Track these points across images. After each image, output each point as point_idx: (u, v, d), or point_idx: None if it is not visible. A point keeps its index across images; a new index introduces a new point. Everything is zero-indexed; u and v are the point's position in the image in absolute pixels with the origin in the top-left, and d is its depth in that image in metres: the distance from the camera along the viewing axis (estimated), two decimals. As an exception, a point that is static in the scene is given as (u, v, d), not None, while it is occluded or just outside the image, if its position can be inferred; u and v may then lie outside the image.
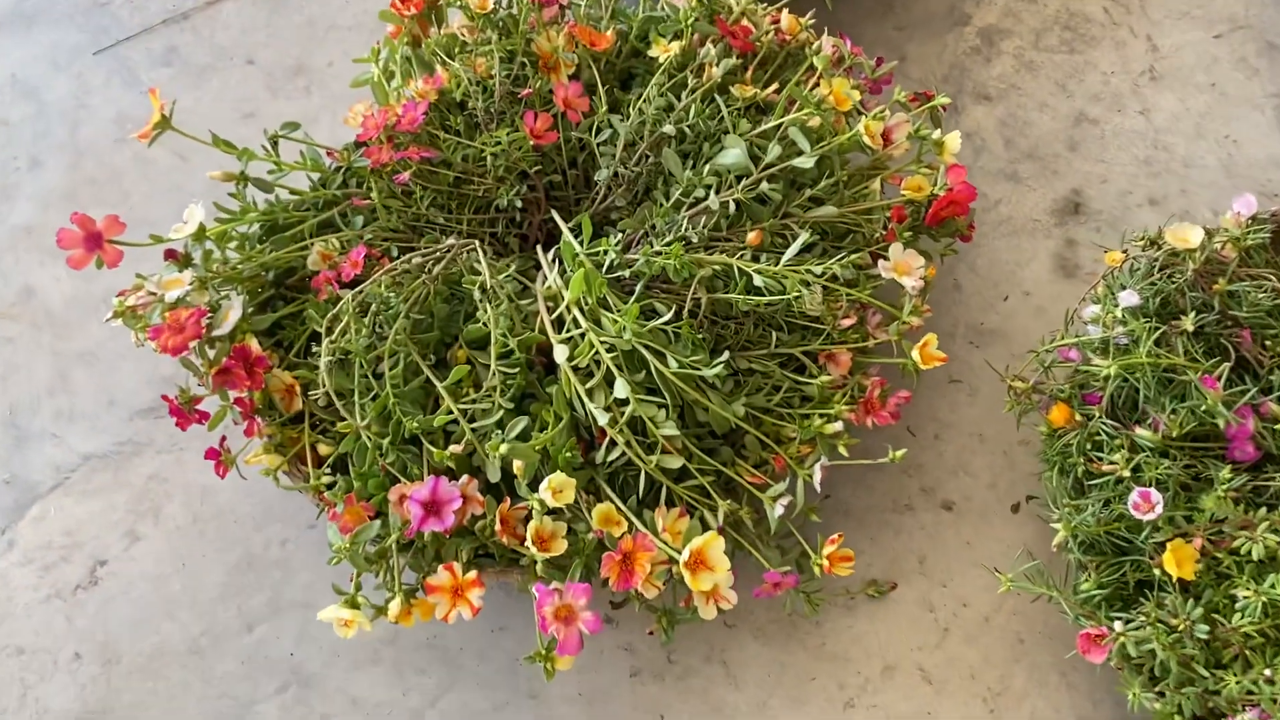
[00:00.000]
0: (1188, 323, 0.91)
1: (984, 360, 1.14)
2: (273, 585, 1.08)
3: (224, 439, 0.96)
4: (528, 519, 0.87)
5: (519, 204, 1.03)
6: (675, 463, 0.91)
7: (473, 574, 0.88)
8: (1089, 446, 0.92)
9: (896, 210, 0.99)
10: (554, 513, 0.89)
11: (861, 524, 1.07)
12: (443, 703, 1.02)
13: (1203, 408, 0.87)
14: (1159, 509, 0.85)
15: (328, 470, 0.96)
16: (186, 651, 1.05)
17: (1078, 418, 0.94)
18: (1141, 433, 0.89)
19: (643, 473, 0.91)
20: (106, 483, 1.12)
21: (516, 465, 0.88)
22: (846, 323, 0.95)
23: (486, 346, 0.94)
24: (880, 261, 0.97)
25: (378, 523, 0.91)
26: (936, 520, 1.07)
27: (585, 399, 0.91)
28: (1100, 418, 0.92)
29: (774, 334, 0.97)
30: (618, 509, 0.90)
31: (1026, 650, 1.00)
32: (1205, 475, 0.89)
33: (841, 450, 0.93)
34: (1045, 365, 0.97)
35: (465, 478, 0.91)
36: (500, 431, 0.91)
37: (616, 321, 0.91)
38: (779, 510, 0.92)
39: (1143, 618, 0.85)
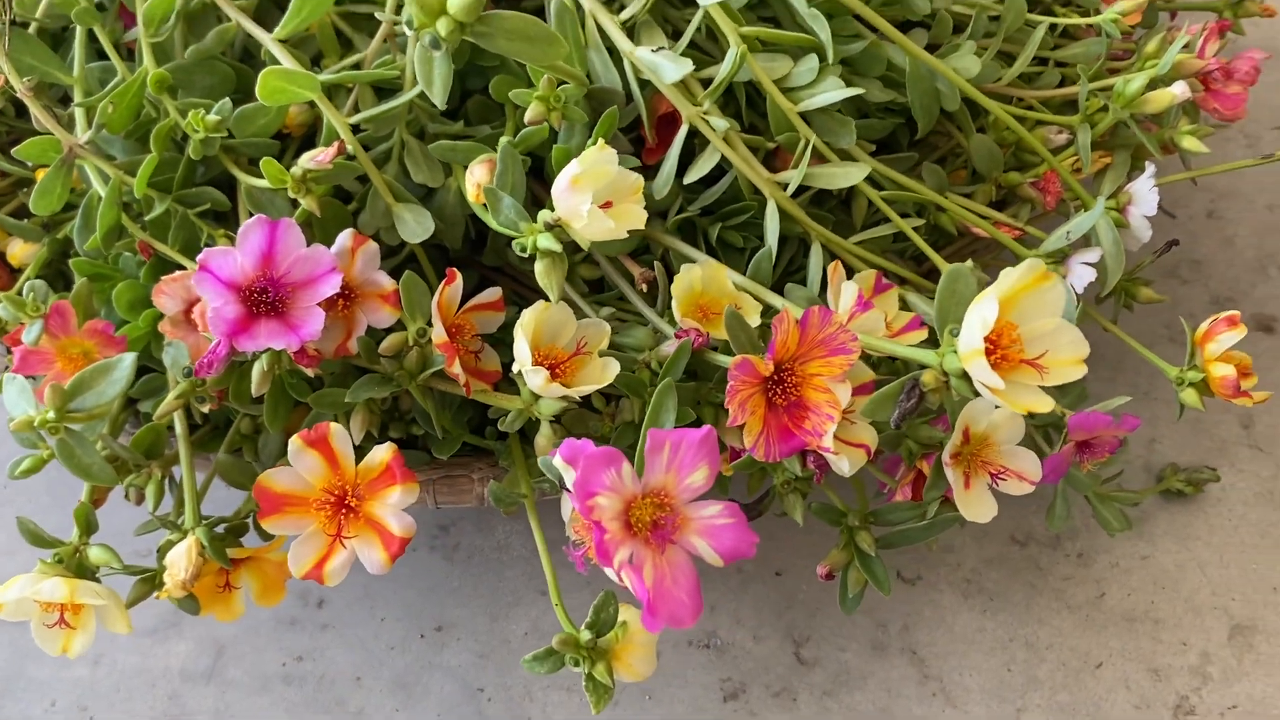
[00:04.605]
0: None
1: (1253, 93, 0.66)
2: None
3: None
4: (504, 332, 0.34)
5: None
6: (850, 175, 0.39)
7: (384, 451, 0.34)
8: None
9: None
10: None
11: (1116, 370, 0.57)
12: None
13: None
14: None
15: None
16: None
17: None
18: None
19: (771, 210, 0.39)
20: None
21: (472, 178, 0.35)
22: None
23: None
24: None
25: (130, 362, 0.36)
26: (1254, 350, 0.57)
27: (621, 39, 0.38)
28: None
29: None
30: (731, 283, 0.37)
31: None
32: None
33: (1191, 144, 0.43)
34: None
35: (349, 233, 0.37)
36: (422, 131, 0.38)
37: None
38: (1080, 278, 0.40)
39: None
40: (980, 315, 0.29)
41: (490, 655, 0.49)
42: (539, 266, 0.32)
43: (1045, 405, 0.30)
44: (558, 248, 0.32)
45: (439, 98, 0.31)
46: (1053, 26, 0.46)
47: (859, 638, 0.49)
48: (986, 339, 0.30)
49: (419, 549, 0.52)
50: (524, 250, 0.32)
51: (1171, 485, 0.52)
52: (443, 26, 0.28)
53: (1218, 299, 0.58)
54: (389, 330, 0.38)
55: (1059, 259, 0.41)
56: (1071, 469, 0.43)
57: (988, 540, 0.52)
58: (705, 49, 0.42)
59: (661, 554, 0.30)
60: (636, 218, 0.33)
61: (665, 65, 0.37)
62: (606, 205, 0.32)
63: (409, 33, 0.32)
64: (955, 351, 0.30)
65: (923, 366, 0.32)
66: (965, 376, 0.30)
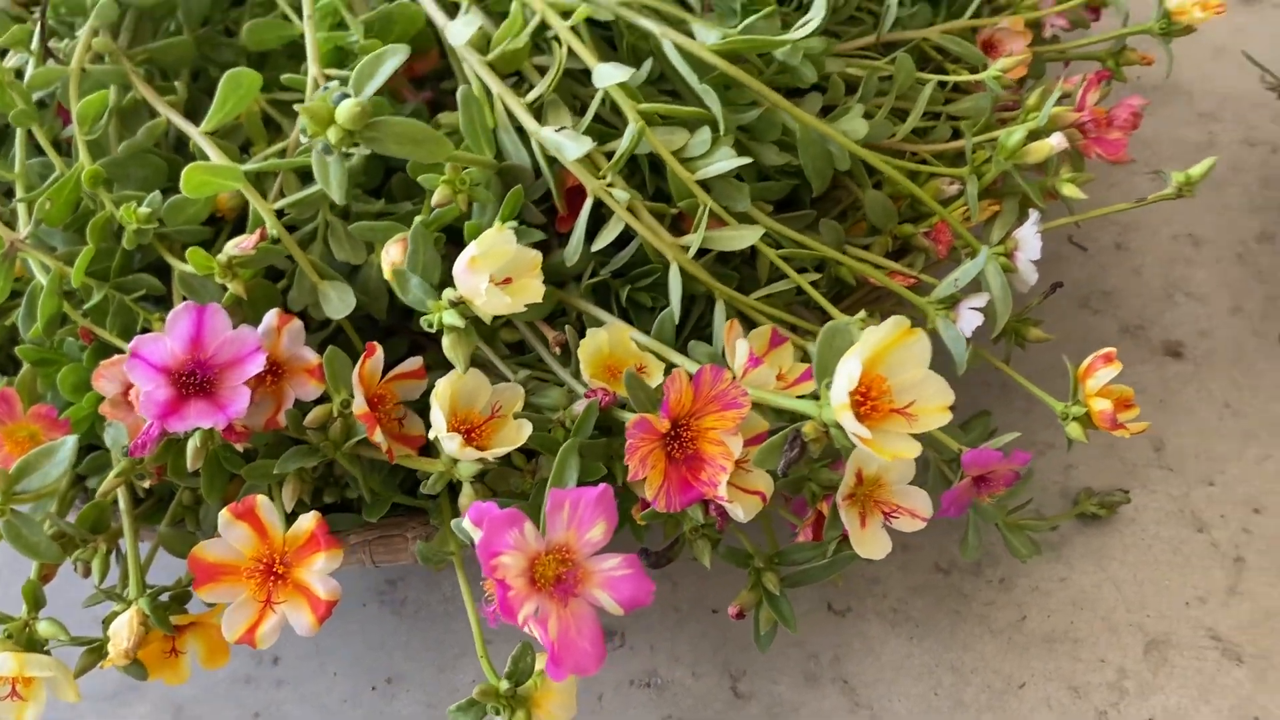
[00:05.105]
0: None
1: (1154, 129, 0.69)
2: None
3: None
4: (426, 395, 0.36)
5: None
6: (745, 237, 0.41)
7: (309, 520, 0.36)
8: None
9: None
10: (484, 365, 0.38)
11: (1031, 402, 0.59)
12: None
13: None
14: None
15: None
16: None
17: None
18: None
19: (674, 273, 0.41)
20: None
21: (388, 257, 0.37)
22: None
23: (297, 58, 0.44)
24: None
25: (71, 445, 0.38)
26: (1162, 375, 0.60)
27: (527, 120, 0.41)
28: None
29: (890, 2, 0.49)
30: (635, 343, 0.40)
31: (1392, 575, 0.54)
32: None
33: (1070, 190, 0.46)
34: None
35: (274, 313, 0.39)
36: (342, 221, 0.40)
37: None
38: (968, 322, 0.43)
39: None
40: (846, 372, 0.32)
41: (439, 705, 0.51)
42: (445, 341, 0.35)
43: (913, 451, 0.32)
44: (462, 323, 0.34)
45: (338, 197, 0.33)
46: (943, 83, 0.49)
47: (792, 670, 0.51)
48: (858, 391, 0.33)
49: (369, 604, 0.54)
50: (430, 326, 0.35)
51: (1086, 509, 0.55)
52: (333, 135, 0.30)
53: (1127, 327, 0.61)
54: (318, 401, 0.40)
55: (950, 304, 0.44)
56: (978, 501, 0.45)
57: (913, 570, 0.54)
58: (611, 122, 0.45)
59: (565, 606, 0.32)
60: (534, 292, 0.35)
61: (567, 144, 0.40)
62: (507, 281, 0.35)
63: (303, 140, 0.34)
64: (830, 404, 0.33)
65: (806, 418, 0.35)
66: (840, 426, 0.33)
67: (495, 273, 0.34)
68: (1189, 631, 0.52)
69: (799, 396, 0.36)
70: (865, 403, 0.33)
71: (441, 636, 0.53)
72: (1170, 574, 0.54)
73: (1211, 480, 0.56)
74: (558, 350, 0.41)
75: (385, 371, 0.40)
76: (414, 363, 0.40)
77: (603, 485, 0.32)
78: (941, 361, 0.37)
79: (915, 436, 0.33)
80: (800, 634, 0.52)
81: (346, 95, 0.31)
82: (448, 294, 0.34)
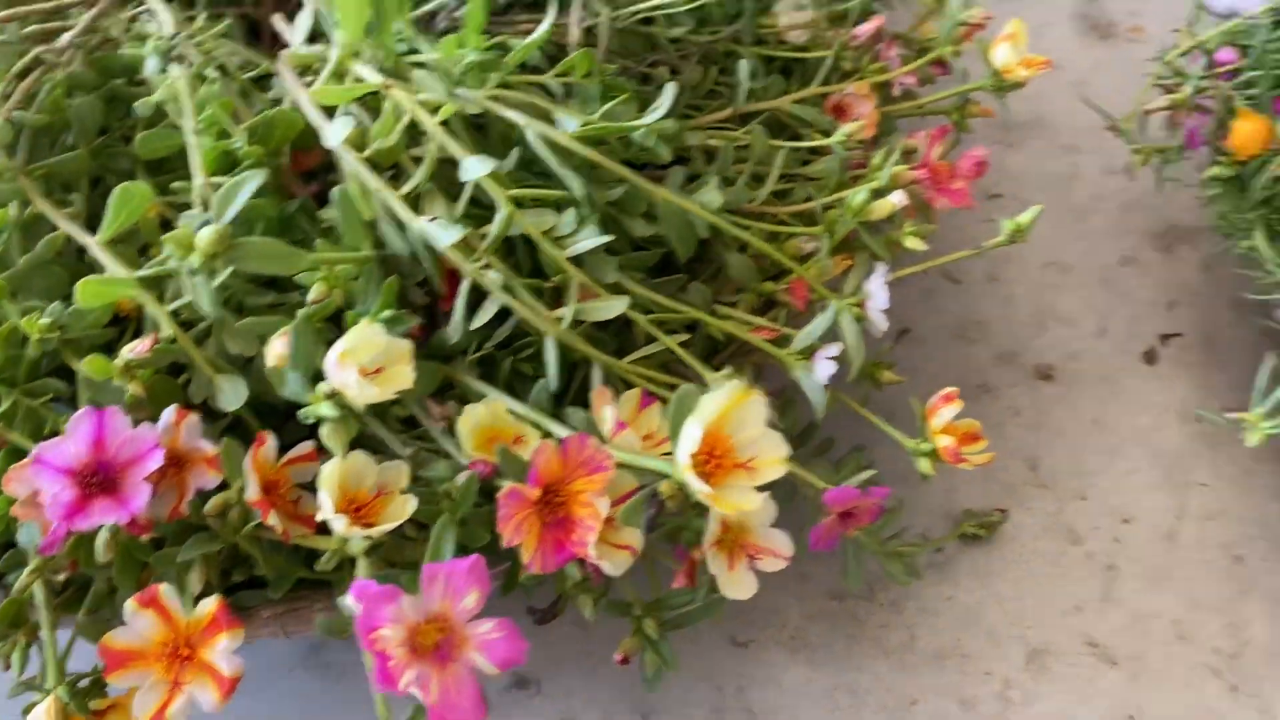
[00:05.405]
0: None
1: (1022, 163, 0.74)
2: None
3: None
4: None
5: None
6: (613, 307, 0.45)
7: (210, 604, 0.39)
8: (1321, 171, 0.52)
9: None
10: (370, 446, 0.41)
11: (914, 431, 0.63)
12: None
13: None
14: None
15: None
16: None
17: (1283, 131, 0.53)
18: None
19: (549, 345, 0.44)
20: None
21: (273, 350, 0.40)
22: (865, 31, 0.53)
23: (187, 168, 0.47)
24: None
25: (-14, 546, 0.40)
26: (1035, 398, 0.64)
27: (403, 211, 0.44)
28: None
29: (741, 77, 0.53)
30: (512, 413, 0.43)
31: (1251, 572, 0.58)
32: None
33: (913, 243, 0.49)
34: (1197, 74, 0.57)
35: (171, 410, 0.42)
36: (233, 317, 0.43)
37: (447, 59, 0.45)
38: (822, 371, 0.47)
39: None
40: (687, 435, 0.35)
41: (364, 762, 0.53)
42: (322, 431, 0.38)
43: (754, 503, 0.36)
44: (337, 414, 0.37)
45: (209, 310, 0.36)
46: (797, 148, 0.53)
47: (700, 704, 0.54)
48: (703, 451, 0.36)
49: (295, 669, 0.56)
50: (308, 419, 0.38)
51: (966, 530, 0.58)
52: (195, 259, 0.33)
53: (1001, 354, 0.65)
54: (220, 489, 0.43)
55: (808, 354, 0.47)
56: (852, 533, 0.49)
57: (809, 599, 0.57)
58: (489, 204, 0.48)
59: (444, 670, 0.35)
60: (404, 379, 0.39)
61: (439, 233, 0.43)
62: (379, 370, 0.38)
63: (171, 264, 0.37)
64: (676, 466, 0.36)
65: (664, 476, 0.38)
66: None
67: (367, 363, 0.38)
68: (1067, 639, 0.56)
69: (664, 455, 0.39)
70: (711, 460, 0.37)
71: (367, 698, 0.55)
72: (1048, 586, 0.58)
73: (1084, 494, 0.60)
74: (443, 424, 0.44)
75: (281, 454, 0.43)
76: (305, 448, 0.43)
77: (473, 557, 0.35)
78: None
79: (759, 488, 0.37)
80: (706, 669, 0.55)
81: (208, 222, 0.34)
82: (321, 387, 0.37)
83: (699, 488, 0.35)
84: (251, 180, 0.35)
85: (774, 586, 0.57)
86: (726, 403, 0.36)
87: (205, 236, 0.33)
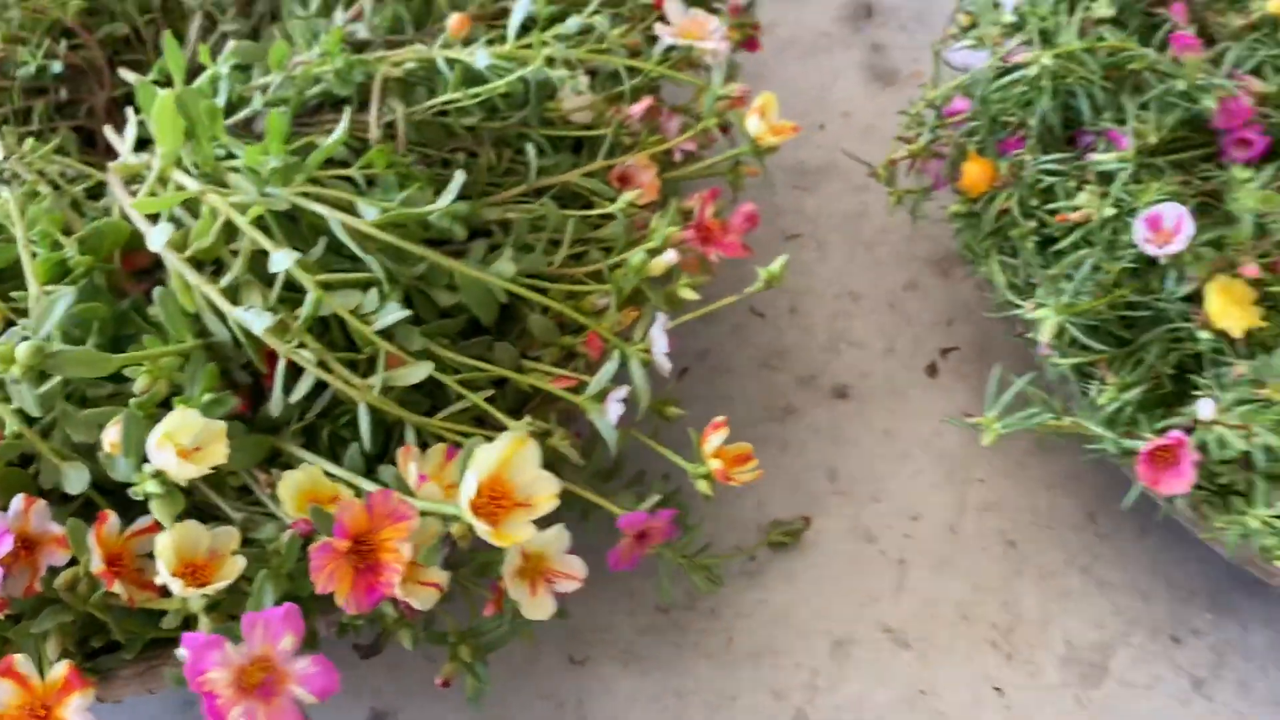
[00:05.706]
0: (1103, 6, 0.62)
1: (817, 205, 0.82)
2: None
3: None
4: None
5: (57, 69, 0.62)
6: (418, 372, 0.51)
7: (61, 668, 0.44)
8: (1034, 204, 0.61)
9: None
10: (203, 514, 0.47)
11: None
12: None
13: (1180, 87, 0.57)
14: (1184, 231, 0.54)
15: None
16: None
17: (1004, 171, 0.62)
18: (1102, 156, 0.58)
19: (362, 411, 0.50)
20: None
21: (108, 437, 0.45)
22: (638, 110, 0.60)
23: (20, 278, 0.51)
24: (659, 28, 0.63)
25: None
26: (832, 415, 0.72)
27: (221, 302, 0.50)
28: (1035, 155, 0.61)
29: (530, 157, 0.60)
30: (328, 474, 0.49)
31: (1022, 554, 0.66)
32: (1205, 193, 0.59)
33: (686, 294, 0.57)
34: (932, 123, 0.65)
35: (20, 499, 0.47)
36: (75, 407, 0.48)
37: (253, 164, 0.51)
38: (613, 412, 0.53)
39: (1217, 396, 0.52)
40: (467, 483, 0.42)
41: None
42: (152, 506, 0.43)
43: (527, 535, 0.42)
44: (162, 490, 0.43)
45: (35, 412, 0.42)
46: (586, 216, 0.60)
47: None
48: (485, 495, 0.43)
49: (168, 726, 0.61)
50: (138, 496, 0.43)
51: (774, 538, 0.65)
52: (16, 370, 0.39)
53: (802, 378, 0.73)
54: (71, 564, 0.47)
55: (601, 398, 0.54)
56: (655, 551, 0.55)
57: (638, 614, 0.64)
58: (302, 289, 0.54)
59: (269, 704, 0.41)
60: (219, 456, 0.44)
61: (253, 320, 0.49)
62: (198, 449, 0.44)
63: None
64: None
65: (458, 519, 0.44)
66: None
67: (188, 444, 0.43)
68: (865, 629, 0.63)
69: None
70: (493, 501, 0.43)
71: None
72: (848, 582, 0.65)
73: (877, 498, 0.68)
74: (270, 490, 0.49)
75: (125, 528, 0.48)
76: (146, 521, 0.48)
77: (287, 605, 0.41)
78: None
79: (536, 522, 0.43)
80: (547, 687, 0.61)
81: (27, 338, 0.39)
82: (147, 468, 0.43)
83: (479, 527, 0.41)
84: (64, 298, 0.41)
85: (606, 605, 0.64)
86: (504, 452, 0.43)
87: (24, 351, 0.38)
